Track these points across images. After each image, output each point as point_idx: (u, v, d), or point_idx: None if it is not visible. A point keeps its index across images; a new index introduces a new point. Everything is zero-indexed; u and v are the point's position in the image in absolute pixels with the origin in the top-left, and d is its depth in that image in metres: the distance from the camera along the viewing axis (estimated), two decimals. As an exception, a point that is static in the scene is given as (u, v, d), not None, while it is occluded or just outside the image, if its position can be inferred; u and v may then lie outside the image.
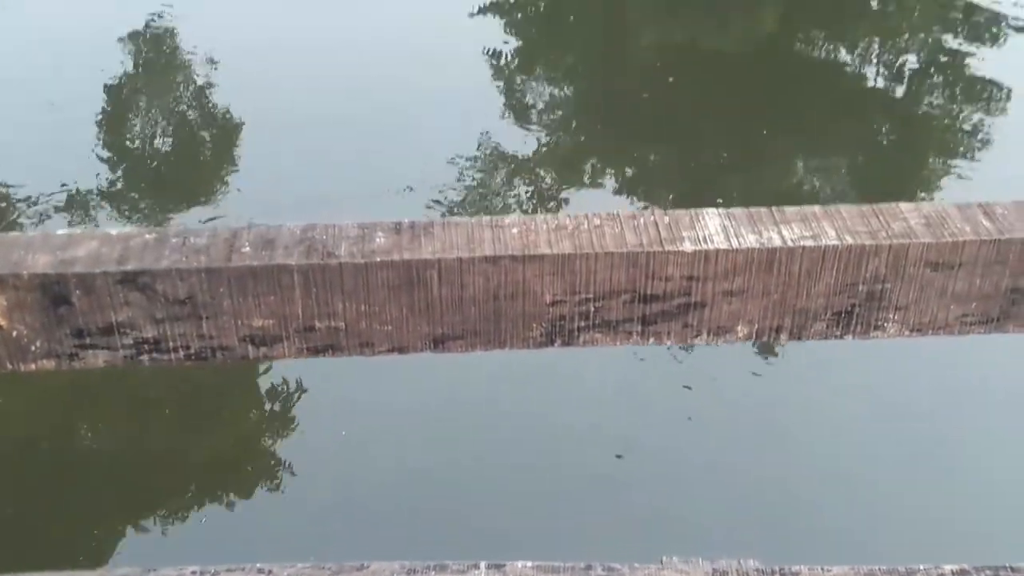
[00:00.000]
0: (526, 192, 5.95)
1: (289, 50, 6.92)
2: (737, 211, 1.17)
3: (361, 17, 7.39)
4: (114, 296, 1.08)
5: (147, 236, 1.10)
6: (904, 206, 1.17)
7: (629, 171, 6.33)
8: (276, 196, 5.62)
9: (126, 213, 5.61)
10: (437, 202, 5.70)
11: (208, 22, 7.22)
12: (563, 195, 5.97)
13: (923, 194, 6.01)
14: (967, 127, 6.50)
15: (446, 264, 1.11)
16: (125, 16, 7.19)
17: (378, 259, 1.10)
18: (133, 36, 7.05)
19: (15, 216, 5.55)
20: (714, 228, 1.14)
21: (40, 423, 4.28)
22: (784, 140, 6.44)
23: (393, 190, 5.69)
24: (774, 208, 1.17)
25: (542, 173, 6.14)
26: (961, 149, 6.34)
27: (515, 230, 1.14)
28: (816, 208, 1.17)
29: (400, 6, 7.46)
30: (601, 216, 1.16)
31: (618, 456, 4.14)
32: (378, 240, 1.12)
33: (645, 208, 5.85)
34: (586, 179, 6.17)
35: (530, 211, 5.80)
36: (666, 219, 1.15)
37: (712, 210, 1.17)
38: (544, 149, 6.32)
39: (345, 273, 1.10)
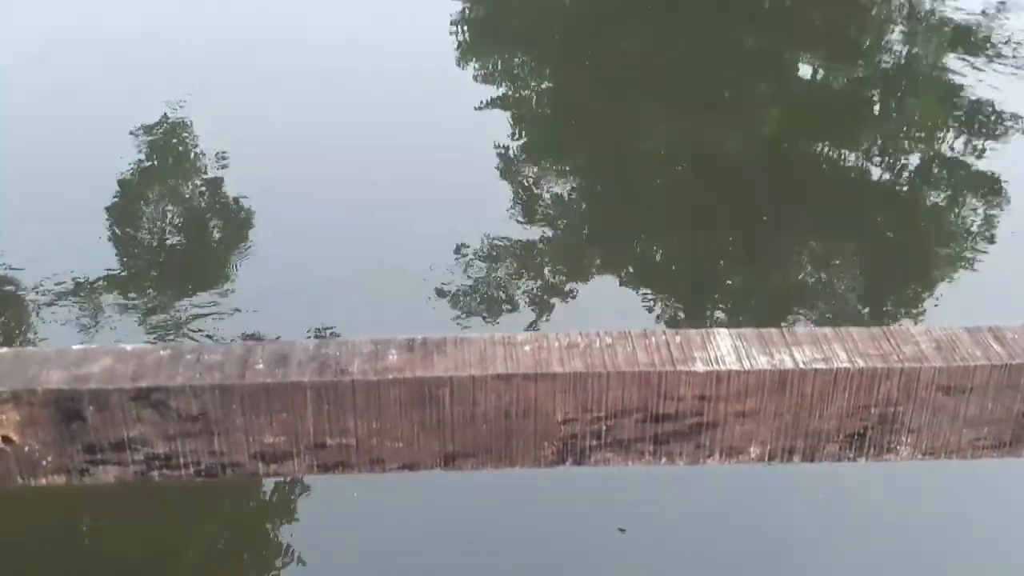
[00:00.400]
0: (532, 285, 5.97)
1: (298, 143, 7.01)
2: (748, 332, 1.18)
3: (370, 110, 7.49)
4: (127, 412, 1.08)
5: (162, 352, 1.12)
6: (915, 329, 1.19)
7: (634, 266, 6.37)
8: (283, 285, 5.67)
9: (133, 300, 5.63)
10: (442, 294, 5.74)
11: (222, 114, 7.32)
12: (569, 287, 6.00)
13: (925, 293, 6.03)
14: (971, 228, 6.54)
15: (458, 382, 1.12)
16: (141, 106, 7.29)
17: (390, 376, 1.11)
18: (148, 128, 7.13)
19: (21, 299, 5.59)
20: (726, 349, 1.15)
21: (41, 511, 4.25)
22: (789, 238, 6.49)
23: (399, 282, 5.73)
24: (784, 329, 1.18)
25: (548, 266, 6.18)
26: (965, 248, 6.38)
27: (527, 347, 1.15)
28: (827, 330, 1.18)
29: (406, 102, 7.56)
30: (613, 334, 1.17)
31: (621, 530, 4.11)
32: (391, 357, 1.13)
33: (654, 302, 5.88)
34: (593, 273, 6.21)
35: (536, 302, 5.83)
36: (677, 339, 1.17)
37: (723, 330, 1.18)
38: (549, 243, 6.37)
39: (357, 390, 1.11)
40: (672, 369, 1.13)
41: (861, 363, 1.14)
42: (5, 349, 1.11)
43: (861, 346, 1.16)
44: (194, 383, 1.08)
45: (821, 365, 1.13)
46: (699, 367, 1.13)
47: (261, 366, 1.11)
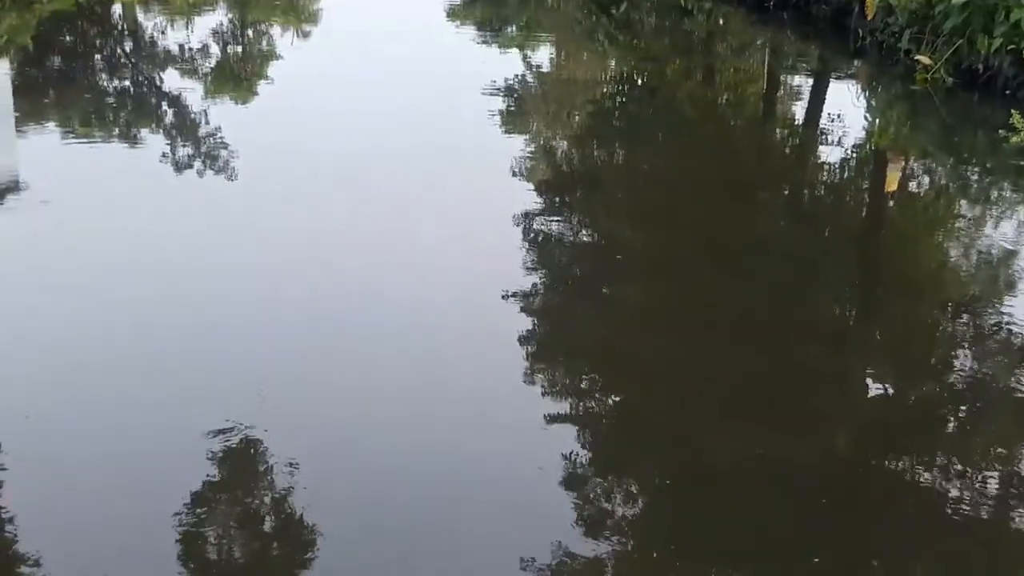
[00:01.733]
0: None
1: (367, 461, 7.02)
2: None
3: (426, 400, 7.52)
4: None
5: None
6: None
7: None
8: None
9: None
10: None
11: (293, 420, 7.37)
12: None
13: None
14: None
15: None
16: (206, 420, 7.33)
17: None
18: (212, 433, 7.16)
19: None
20: None
21: None
22: (865, 561, 6.27)
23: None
24: None
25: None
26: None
27: None
28: None
29: (466, 413, 7.60)
30: None
31: None
32: None
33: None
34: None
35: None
36: None
37: None
38: (616, 562, 6.18)
39: None
40: None
41: None
42: None
43: None
44: None
45: None
46: None
47: None
